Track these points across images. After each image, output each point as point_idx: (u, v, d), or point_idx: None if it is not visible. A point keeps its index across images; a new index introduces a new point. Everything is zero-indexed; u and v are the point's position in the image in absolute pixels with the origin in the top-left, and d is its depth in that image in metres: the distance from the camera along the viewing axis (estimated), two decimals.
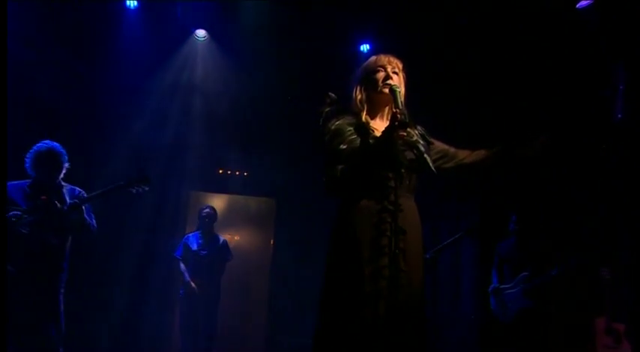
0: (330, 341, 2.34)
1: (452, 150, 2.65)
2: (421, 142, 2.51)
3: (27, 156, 3.91)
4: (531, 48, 5.30)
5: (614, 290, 4.64)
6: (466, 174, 2.72)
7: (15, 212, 3.73)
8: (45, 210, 3.77)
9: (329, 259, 2.44)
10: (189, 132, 6.81)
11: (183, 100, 6.75)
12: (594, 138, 4.94)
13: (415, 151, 2.45)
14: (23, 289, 3.63)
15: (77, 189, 4.02)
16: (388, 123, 2.39)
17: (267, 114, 6.64)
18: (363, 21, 6.10)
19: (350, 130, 2.47)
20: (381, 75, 2.55)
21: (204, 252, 6.03)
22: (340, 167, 2.41)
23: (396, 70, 2.58)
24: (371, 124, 2.51)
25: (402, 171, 2.41)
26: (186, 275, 5.96)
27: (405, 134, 2.35)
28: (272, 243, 7.62)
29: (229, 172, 7.41)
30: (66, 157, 3.98)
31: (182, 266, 6.03)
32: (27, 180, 3.93)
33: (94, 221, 4.04)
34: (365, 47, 6.36)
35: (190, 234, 6.23)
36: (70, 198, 3.90)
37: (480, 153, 2.64)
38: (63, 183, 4.00)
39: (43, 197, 3.78)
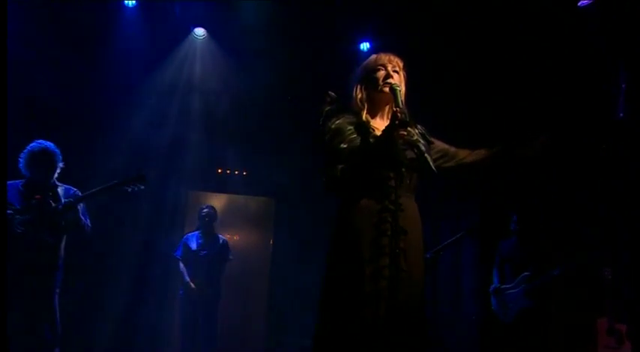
0: (330, 342, 2.33)
1: (452, 149, 2.65)
2: (421, 141, 2.50)
3: (20, 156, 3.91)
4: (531, 47, 5.29)
5: (615, 291, 4.62)
6: (466, 173, 2.71)
7: (9, 211, 3.71)
8: (39, 209, 3.76)
9: (329, 259, 2.43)
10: (187, 131, 6.80)
11: (182, 99, 6.74)
12: (594, 138, 4.92)
13: (416, 150, 2.45)
14: (17, 289, 3.62)
15: (72, 188, 4.01)
16: (388, 122, 2.38)
17: (267, 113, 6.63)
18: (363, 19, 6.09)
19: (350, 129, 2.46)
20: (381, 74, 2.54)
21: (204, 252, 6.01)
22: (340, 166, 2.40)
23: (397, 68, 2.57)
24: (371, 123, 2.50)
25: (403, 170, 2.40)
26: (186, 275, 5.95)
27: (405, 133, 2.34)
28: (271, 242, 7.60)
29: (228, 172, 7.40)
30: (60, 156, 3.97)
31: (182, 266, 6.01)
32: (21, 180, 3.92)
33: (88, 221, 4.03)
34: (365, 46, 6.35)
35: (190, 234, 6.21)
36: (65, 198, 3.89)
37: (480, 153, 2.64)
38: (58, 183, 3.99)
39: (38, 196, 3.77)
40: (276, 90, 6.42)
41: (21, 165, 3.91)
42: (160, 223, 6.74)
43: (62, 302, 3.97)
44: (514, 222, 5.02)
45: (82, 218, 3.97)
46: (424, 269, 2.47)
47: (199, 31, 6.51)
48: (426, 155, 2.44)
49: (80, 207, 3.96)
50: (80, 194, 3.98)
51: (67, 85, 5.91)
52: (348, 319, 2.29)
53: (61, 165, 3.98)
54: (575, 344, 5.09)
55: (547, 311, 4.76)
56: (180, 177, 6.86)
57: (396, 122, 2.30)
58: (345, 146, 2.41)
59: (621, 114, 4.35)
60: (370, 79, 2.56)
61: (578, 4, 4.61)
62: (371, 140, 2.41)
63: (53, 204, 3.81)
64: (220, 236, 6.25)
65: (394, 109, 2.38)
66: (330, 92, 2.64)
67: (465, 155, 2.63)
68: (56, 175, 3.99)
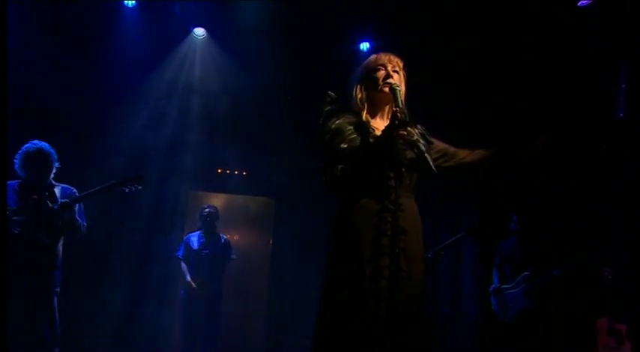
0: (330, 342, 2.32)
1: (452, 149, 2.65)
2: (421, 141, 2.50)
3: (15, 156, 3.90)
4: (531, 47, 5.29)
5: (615, 291, 4.62)
6: (466, 173, 2.71)
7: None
8: (36, 209, 3.75)
9: (329, 259, 2.42)
10: (187, 131, 6.79)
11: (181, 99, 6.74)
12: (594, 138, 4.92)
13: (416, 150, 2.44)
14: (16, 289, 3.60)
15: (69, 188, 4.00)
16: (388, 122, 2.37)
17: (267, 113, 6.63)
18: (363, 19, 6.09)
19: (350, 129, 2.45)
20: (381, 73, 2.54)
21: (206, 252, 6.02)
22: (340, 166, 2.39)
23: (397, 68, 2.57)
24: (371, 123, 2.50)
25: (403, 170, 2.39)
26: (187, 275, 5.94)
27: (405, 133, 2.34)
28: (271, 242, 7.60)
29: (228, 172, 7.40)
30: (55, 156, 3.97)
31: (183, 265, 6.01)
32: (17, 181, 3.91)
33: (84, 221, 4.02)
34: (365, 46, 6.35)
35: (192, 234, 6.21)
36: (62, 198, 3.88)
37: (479, 153, 2.64)
38: (55, 183, 3.98)
39: (35, 196, 3.77)
40: (276, 90, 6.42)
41: (16, 166, 3.91)
42: (159, 223, 6.74)
43: (62, 303, 3.97)
44: (514, 222, 5.02)
45: (78, 219, 3.96)
46: (424, 269, 2.46)
47: (199, 31, 6.50)
48: (426, 155, 2.43)
49: (77, 207, 3.95)
50: (78, 193, 3.97)
51: (67, 85, 5.91)
52: (348, 319, 2.29)
53: (56, 165, 3.98)
54: (575, 344, 5.09)
55: (547, 311, 4.76)
56: (180, 177, 6.86)
57: (396, 122, 2.30)
58: (345, 146, 2.41)
59: (621, 114, 4.35)
60: (370, 79, 2.56)
61: (578, 4, 4.61)
62: (371, 140, 2.41)
63: (50, 204, 3.80)
64: (222, 235, 6.25)
65: (394, 109, 2.37)
66: (330, 92, 2.63)
67: (464, 155, 2.63)
68: (52, 175, 3.98)
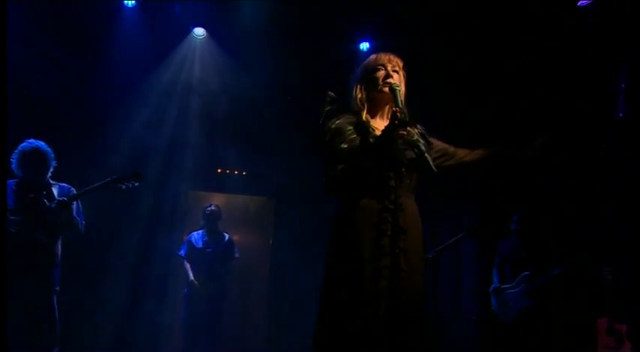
0: (330, 342, 2.32)
1: (451, 148, 2.65)
2: (421, 141, 2.49)
3: (12, 156, 3.89)
4: (531, 47, 5.29)
5: (615, 291, 4.62)
6: (466, 172, 2.72)
7: None
8: (33, 208, 3.75)
9: (329, 259, 2.42)
10: (187, 131, 6.79)
11: (181, 99, 6.73)
12: (594, 138, 4.92)
13: (416, 150, 2.43)
14: (15, 289, 3.60)
15: (67, 186, 3.99)
16: (388, 122, 2.37)
17: (266, 113, 6.63)
18: (363, 19, 6.09)
19: (350, 129, 2.45)
20: (381, 73, 2.54)
21: (210, 250, 6.02)
22: (340, 166, 2.39)
23: (397, 68, 2.57)
24: (371, 123, 2.50)
25: (403, 170, 2.39)
26: (190, 273, 5.94)
27: (405, 133, 2.34)
28: (271, 242, 7.60)
29: (228, 171, 7.40)
30: (52, 155, 3.96)
31: (186, 264, 6.01)
32: (14, 180, 3.91)
33: (83, 220, 4.01)
34: (365, 46, 6.35)
35: (195, 233, 6.21)
36: (60, 196, 3.88)
37: (479, 152, 2.64)
38: (52, 182, 3.98)
39: (32, 195, 3.76)
40: (276, 90, 6.42)
41: (13, 165, 3.89)
42: (159, 223, 6.73)
43: (61, 302, 3.96)
44: (514, 222, 5.02)
45: (76, 217, 3.94)
46: (424, 269, 2.46)
47: (199, 31, 6.50)
48: (426, 155, 2.43)
49: (74, 206, 3.94)
50: (75, 192, 3.96)
51: (67, 85, 5.91)
52: (348, 319, 2.29)
53: (53, 163, 3.97)
54: (575, 344, 5.09)
55: (547, 311, 4.76)
56: (180, 177, 6.86)
57: (396, 122, 2.30)
58: (345, 146, 2.41)
59: (621, 114, 4.35)
60: (370, 79, 2.55)
61: (578, 4, 4.61)
62: (371, 140, 2.40)
63: (47, 203, 3.80)
64: (225, 234, 6.26)
65: (394, 109, 2.37)
66: (330, 92, 2.63)
67: (464, 154, 2.63)
68: (49, 174, 3.98)
